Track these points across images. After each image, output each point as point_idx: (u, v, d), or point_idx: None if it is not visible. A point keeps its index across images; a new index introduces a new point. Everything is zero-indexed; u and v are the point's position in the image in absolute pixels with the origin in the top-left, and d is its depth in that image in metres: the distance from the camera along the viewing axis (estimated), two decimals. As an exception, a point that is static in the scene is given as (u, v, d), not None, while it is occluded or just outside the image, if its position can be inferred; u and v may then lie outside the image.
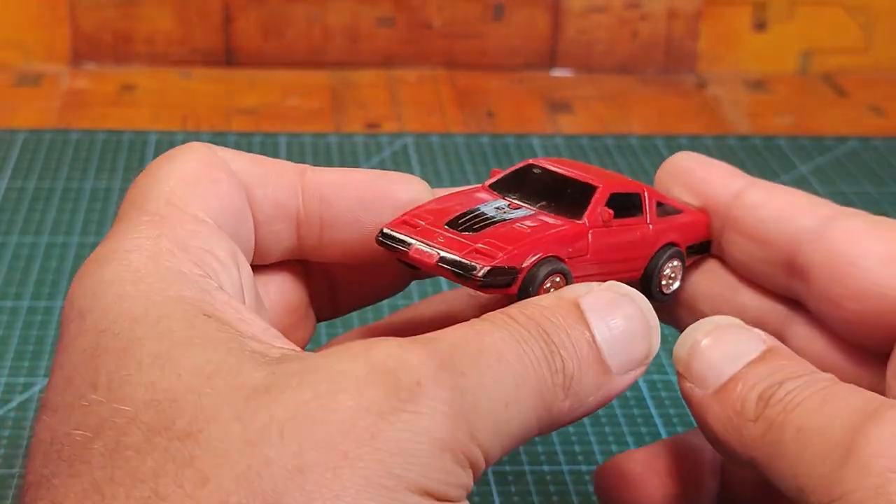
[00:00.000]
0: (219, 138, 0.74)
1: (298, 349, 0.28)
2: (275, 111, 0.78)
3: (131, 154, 0.72)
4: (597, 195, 0.33)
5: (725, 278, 0.35)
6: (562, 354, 0.28)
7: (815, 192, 0.75)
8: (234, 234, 0.31)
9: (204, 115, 0.78)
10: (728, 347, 0.31)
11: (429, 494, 0.25)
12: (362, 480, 0.25)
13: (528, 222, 0.32)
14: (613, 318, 0.30)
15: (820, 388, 0.29)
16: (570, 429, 0.51)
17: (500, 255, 0.31)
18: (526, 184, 0.34)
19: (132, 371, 0.26)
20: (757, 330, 0.31)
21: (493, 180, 0.35)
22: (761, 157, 0.74)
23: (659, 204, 0.35)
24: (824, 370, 0.30)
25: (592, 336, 0.29)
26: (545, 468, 0.49)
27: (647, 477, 0.36)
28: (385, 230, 0.32)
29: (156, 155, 0.78)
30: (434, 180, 0.69)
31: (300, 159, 0.71)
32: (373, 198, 0.33)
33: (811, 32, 0.85)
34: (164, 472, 0.25)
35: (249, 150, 0.80)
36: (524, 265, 0.31)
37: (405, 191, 0.33)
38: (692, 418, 0.31)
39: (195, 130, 0.75)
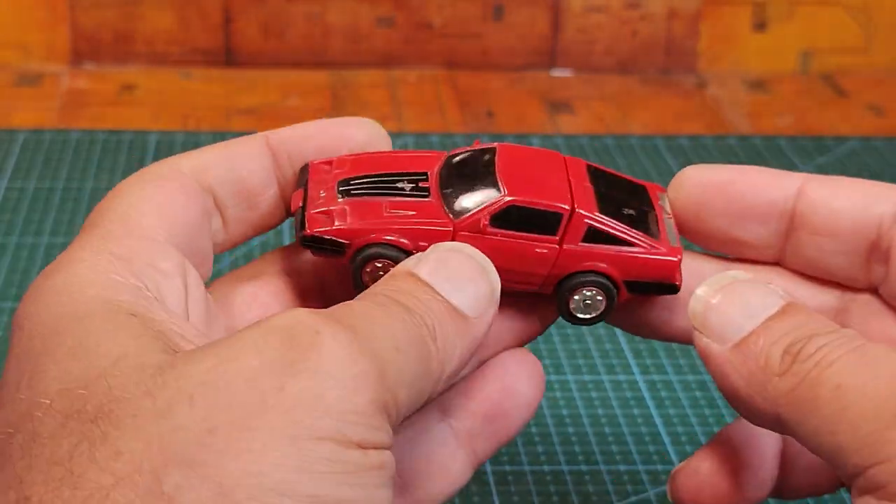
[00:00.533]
0: (219, 138, 0.74)
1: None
2: (275, 111, 0.78)
3: (131, 154, 0.72)
4: (492, 203, 0.33)
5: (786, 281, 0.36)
6: (416, 311, 0.30)
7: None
8: (189, 248, 0.32)
9: (204, 115, 0.78)
10: (746, 301, 0.31)
11: (344, 440, 0.26)
12: (270, 433, 0.25)
13: (406, 206, 0.33)
14: (446, 270, 0.31)
15: (856, 345, 0.29)
16: (571, 429, 0.51)
17: (334, 225, 0.32)
18: (465, 164, 0.34)
19: (49, 365, 0.27)
20: (773, 285, 0.31)
21: (456, 152, 0.35)
22: (761, 157, 0.74)
23: (604, 235, 0.33)
24: None
25: (436, 291, 0.30)
26: (545, 468, 0.49)
27: (718, 478, 0.36)
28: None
29: (156, 155, 0.78)
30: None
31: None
32: (331, 144, 0.35)
33: (811, 32, 0.85)
34: (79, 452, 0.25)
35: (249, 150, 0.78)
36: (354, 241, 0.32)
37: (359, 132, 0.35)
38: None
39: (195, 130, 0.75)
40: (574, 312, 0.34)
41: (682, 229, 0.35)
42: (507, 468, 0.49)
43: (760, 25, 0.85)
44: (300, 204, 0.34)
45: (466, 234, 0.33)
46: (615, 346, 0.56)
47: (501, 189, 0.33)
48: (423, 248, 0.32)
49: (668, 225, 0.34)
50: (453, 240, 0.33)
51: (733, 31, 0.85)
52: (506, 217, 0.33)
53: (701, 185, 0.35)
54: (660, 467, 0.50)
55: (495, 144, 0.35)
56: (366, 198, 0.33)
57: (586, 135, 0.76)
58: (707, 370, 0.31)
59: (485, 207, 0.33)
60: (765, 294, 0.31)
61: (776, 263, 0.36)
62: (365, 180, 0.34)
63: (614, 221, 0.33)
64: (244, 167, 0.35)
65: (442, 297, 0.30)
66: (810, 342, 0.29)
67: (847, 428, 0.28)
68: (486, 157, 0.34)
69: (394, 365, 0.28)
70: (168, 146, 0.73)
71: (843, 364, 0.28)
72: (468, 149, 0.35)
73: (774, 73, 0.85)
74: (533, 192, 0.33)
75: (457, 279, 0.31)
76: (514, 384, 0.35)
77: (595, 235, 0.33)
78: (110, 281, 0.29)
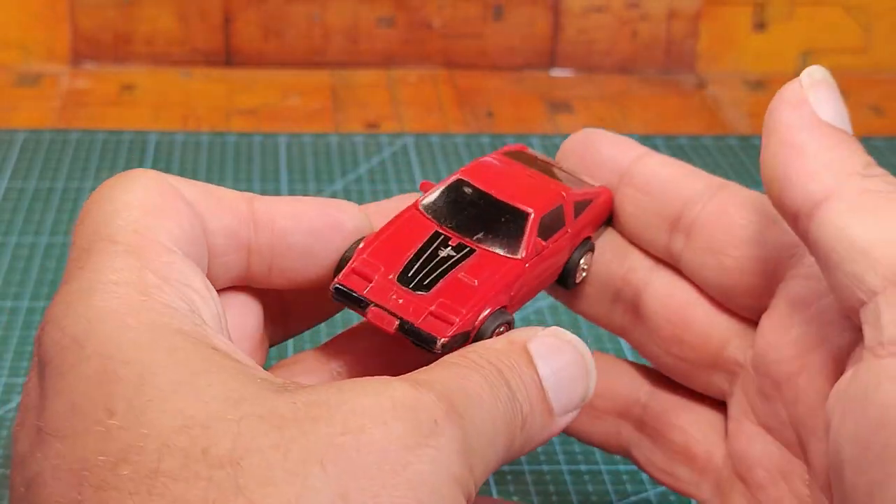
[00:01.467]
0: (219, 138, 0.74)
1: (290, 380, 0.29)
2: (275, 111, 0.78)
3: (131, 154, 0.72)
4: (530, 224, 0.34)
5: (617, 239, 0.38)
6: (518, 398, 0.30)
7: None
8: (198, 264, 0.32)
9: (204, 115, 0.78)
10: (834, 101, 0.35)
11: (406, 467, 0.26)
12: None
13: (472, 270, 0.34)
14: (557, 362, 0.31)
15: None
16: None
17: (456, 321, 0.32)
18: (460, 207, 0.35)
19: (153, 397, 0.27)
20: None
21: (425, 199, 0.35)
22: (761, 157, 0.74)
23: (577, 202, 0.36)
24: (682, 322, 0.36)
25: (540, 379, 0.31)
26: (545, 468, 0.49)
27: None
28: (339, 286, 0.33)
29: (156, 155, 0.78)
30: (434, 180, 0.69)
31: (300, 159, 0.71)
32: (322, 227, 0.34)
33: (811, 32, 0.85)
34: (210, 500, 0.25)
35: (249, 151, 0.80)
36: (476, 324, 0.33)
37: (350, 220, 0.35)
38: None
39: (195, 130, 0.75)
40: (577, 280, 0.37)
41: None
42: (507, 468, 0.49)
43: (760, 25, 0.85)
44: (390, 328, 0.33)
45: (532, 259, 0.34)
46: (615, 346, 0.56)
47: (523, 210, 0.34)
48: (513, 294, 0.34)
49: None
50: (527, 270, 0.34)
51: (733, 31, 0.85)
52: (542, 231, 0.35)
53: (571, 144, 0.39)
54: (659, 467, 0.50)
55: (457, 175, 0.36)
56: (439, 285, 0.33)
57: (586, 135, 0.76)
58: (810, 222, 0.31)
59: (528, 232, 0.34)
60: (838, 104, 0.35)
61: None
62: (417, 268, 0.34)
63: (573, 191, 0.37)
64: (219, 224, 0.33)
65: (542, 386, 0.31)
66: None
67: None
68: (468, 189, 0.35)
69: (485, 458, 0.29)
70: (168, 146, 0.73)
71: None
72: (435, 189, 0.36)
73: (774, 73, 0.85)
74: (539, 201, 0.35)
75: (564, 377, 0.31)
76: None
77: (577, 209, 0.36)
78: (166, 307, 0.29)
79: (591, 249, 0.38)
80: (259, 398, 0.27)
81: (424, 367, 0.30)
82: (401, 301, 0.33)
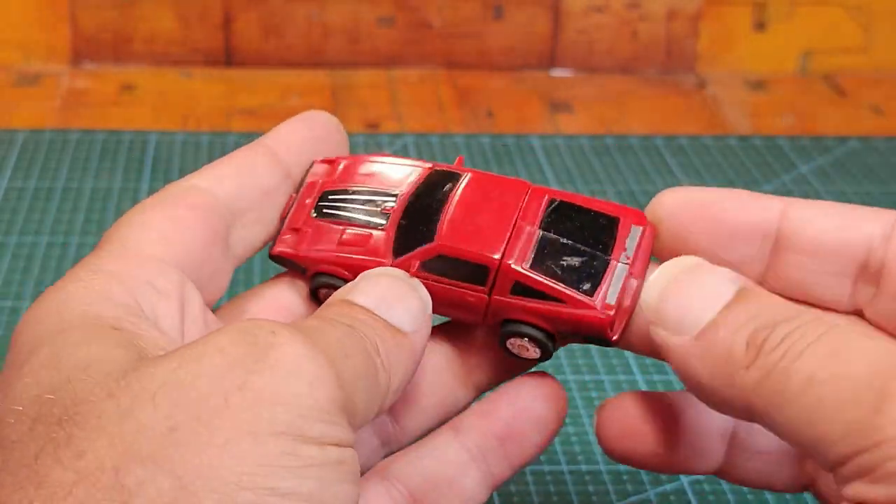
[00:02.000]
0: (219, 138, 0.74)
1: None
2: (275, 111, 0.78)
3: (131, 154, 0.72)
4: (424, 250, 0.34)
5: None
6: (361, 330, 0.31)
7: (816, 192, 0.75)
8: (195, 269, 0.33)
9: (204, 115, 0.78)
10: (700, 288, 0.30)
11: (302, 435, 0.27)
12: (231, 429, 0.26)
13: (359, 238, 0.35)
14: (377, 291, 0.32)
15: (822, 332, 0.28)
16: (570, 429, 0.51)
17: (294, 249, 0.35)
18: (427, 195, 0.35)
19: (25, 374, 0.28)
20: (724, 269, 0.31)
21: (433, 170, 0.36)
22: (761, 157, 0.74)
23: (531, 290, 0.33)
24: None
25: (372, 312, 0.32)
26: (545, 468, 0.49)
27: (649, 426, 0.35)
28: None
29: (156, 155, 0.78)
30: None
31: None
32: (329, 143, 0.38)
33: (811, 32, 0.85)
34: (45, 453, 0.26)
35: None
36: (308, 267, 0.35)
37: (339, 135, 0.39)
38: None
39: (195, 130, 0.75)
40: (515, 352, 0.34)
41: (667, 252, 0.34)
42: (507, 468, 0.49)
43: (760, 25, 0.85)
44: (285, 214, 0.36)
45: (407, 272, 0.34)
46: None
47: (437, 234, 0.34)
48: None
49: (617, 274, 0.33)
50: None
51: (733, 31, 0.85)
52: (436, 264, 0.34)
53: (683, 206, 0.34)
54: (660, 467, 0.50)
55: (467, 172, 0.35)
56: (330, 221, 0.35)
57: (586, 135, 0.76)
58: (669, 364, 0.31)
59: (416, 253, 0.34)
60: (718, 280, 0.30)
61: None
62: (342, 196, 0.36)
63: (543, 276, 0.33)
64: (257, 173, 0.36)
65: (378, 315, 0.31)
66: (774, 332, 0.28)
67: (826, 418, 0.27)
68: (448, 186, 0.35)
69: (346, 370, 0.29)
70: (168, 146, 0.73)
71: (812, 353, 0.28)
72: (446, 169, 0.36)
73: (774, 73, 0.85)
74: (466, 240, 0.33)
75: (389, 299, 0.32)
76: (529, 406, 0.35)
77: (523, 289, 0.33)
78: (100, 298, 0.30)
79: (536, 342, 0.34)
80: (111, 362, 0.28)
81: None
82: (302, 212, 0.36)
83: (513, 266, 0.33)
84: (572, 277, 0.33)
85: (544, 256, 0.33)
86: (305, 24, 0.83)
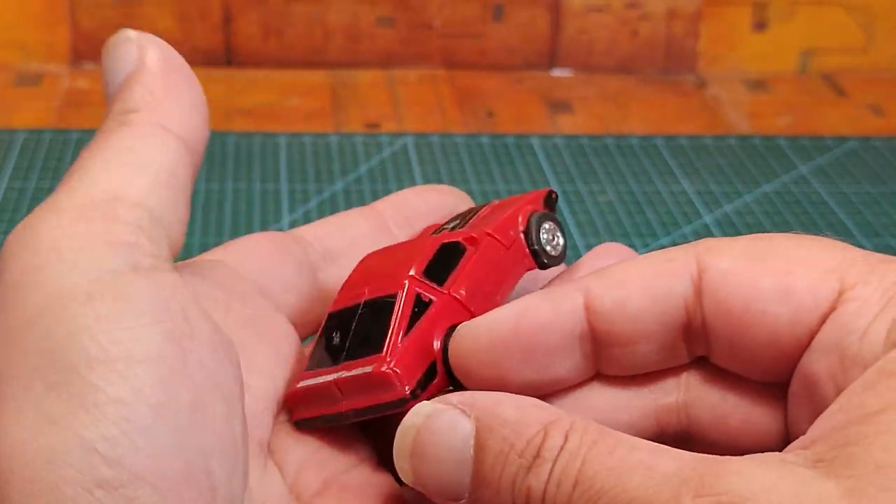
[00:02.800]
0: (219, 138, 0.74)
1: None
2: (275, 111, 0.78)
3: (131, 154, 0.72)
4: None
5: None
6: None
7: (815, 192, 0.74)
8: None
9: (204, 115, 0.77)
10: (439, 449, 0.27)
11: (89, 280, 0.26)
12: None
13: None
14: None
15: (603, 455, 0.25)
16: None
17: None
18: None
19: None
20: (451, 402, 0.28)
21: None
22: (761, 157, 0.74)
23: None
24: (726, 413, 0.30)
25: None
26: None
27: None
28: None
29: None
30: (434, 181, 0.69)
31: (300, 159, 0.71)
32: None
33: (811, 32, 0.85)
34: None
35: (249, 151, 0.79)
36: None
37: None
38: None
39: (195, 130, 0.75)
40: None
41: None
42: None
43: (760, 25, 0.85)
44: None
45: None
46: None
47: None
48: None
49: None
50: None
51: (733, 31, 0.85)
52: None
53: (484, 345, 0.30)
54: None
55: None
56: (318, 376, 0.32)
57: (586, 135, 0.76)
58: None
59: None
60: (452, 422, 0.27)
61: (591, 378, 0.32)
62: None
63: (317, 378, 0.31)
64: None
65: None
66: (532, 441, 0.26)
67: None
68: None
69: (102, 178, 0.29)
70: (168, 146, 0.73)
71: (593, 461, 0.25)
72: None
73: (774, 73, 0.85)
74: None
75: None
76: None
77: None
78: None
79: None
80: None
81: None
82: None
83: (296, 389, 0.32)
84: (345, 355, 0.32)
85: (323, 359, 0.33)
86: (305, 24, 0.83)
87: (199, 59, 0.83)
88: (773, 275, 0.29)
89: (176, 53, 0.32)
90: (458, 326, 0.31)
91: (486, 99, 0.81)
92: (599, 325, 0.30)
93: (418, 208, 0.37)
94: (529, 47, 0.84)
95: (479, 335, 0.30)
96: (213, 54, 0.83)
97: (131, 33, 0.32)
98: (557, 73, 0.85)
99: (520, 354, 0.30)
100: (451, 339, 0.30)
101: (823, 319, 0.28)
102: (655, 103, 0.81)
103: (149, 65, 0.32)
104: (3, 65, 0.82)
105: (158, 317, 0.26)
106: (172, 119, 0.31)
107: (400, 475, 0.28)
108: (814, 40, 0.86)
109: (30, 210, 0.67)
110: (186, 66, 0.32)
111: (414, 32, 0.84)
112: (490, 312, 0.30)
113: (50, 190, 0.68)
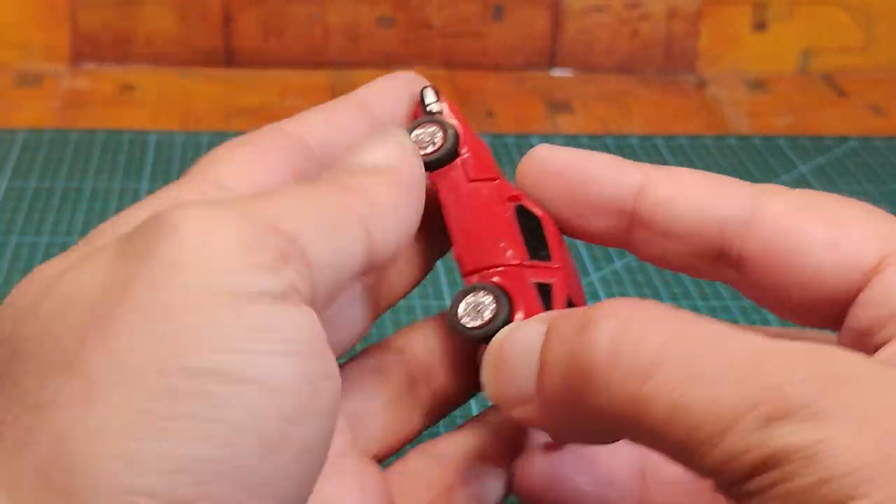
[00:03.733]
0: (218, 138, 0.74)
1: None
2: (275, 111, 0.78)
3: (131, 154, 0.72)
4: None
5: None
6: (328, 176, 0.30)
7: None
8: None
9: (204, 115, 0.77)
10: (515, 357, 0.29)
11: (226, 293, 0.24)
12: (135, 312, 0.24)
13: None
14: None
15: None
16: (570, 429, 0.51)
17: None
18: None
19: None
20: (534, 317, 0.30)
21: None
22: (761, 157, 0.74)
23: None
24: None
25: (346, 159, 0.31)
26: (545, 468, 0.49)
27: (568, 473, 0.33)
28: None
29: (156, 155, 0.78)
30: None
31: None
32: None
33: (811, 32, 0.85)
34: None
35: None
36: None
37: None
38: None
39: (195, 130, 0.75)
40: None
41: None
42: (507, 468, 0.49)
43: (760, 25, 0.85)
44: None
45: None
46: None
47: None
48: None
49: None
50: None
51: (733, 31, 0.85)
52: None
53: (542, 172, 0.34)
54: (660, 467, 0.49)
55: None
56: None
57: (586, 135, 0.76)
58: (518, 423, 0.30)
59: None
60: (527, 334, 0.28)
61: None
62: None
63: None
64: (347, 126, 0.35)
65: (351, 159, 0.31)
66: (598, 327, 0.26)
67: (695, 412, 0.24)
68: None
69: (278, 210, 0.26)
70: (168, 146, 0.73)
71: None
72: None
73: (774, 73, 0.85)
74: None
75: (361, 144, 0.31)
76: None
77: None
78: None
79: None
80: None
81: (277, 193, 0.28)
82: None
83: None
84: None
85: None
86: (305, 24, 0.83)
87: (199, 59, 0.83)
88: (825, 225, 0.31)
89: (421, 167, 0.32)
90: (538, 146, 0.35)
91: (486, 99, 0.81)
92: (642, 206, 0.32)
93: (400, 99, 0.36)
94: (529, 47, 0.84)
95: (548, 156, 0.34)
96: (213, 54, 0.83)
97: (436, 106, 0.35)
98: (557, 73, 0.85)
99: (566, 194, 0.33)
100: (530, 153, 0.35)
101: (868, 277, 0.30)
102: (655, 103, 0.82)
103: (400, 167, 0.31)
104: (3, 65, 0.82)
105: (301, 349, 0.25)
106: (378, 225, 0.29)
107: (486, 394, 0.30)
108: (814, 40, 0.86)
109: (30, 210, 0.66)
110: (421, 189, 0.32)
111: (414, 32, 0.84)
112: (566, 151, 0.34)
113: (50, 190, 0.68)
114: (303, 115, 0.35)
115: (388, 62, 0.84)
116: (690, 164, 0.73)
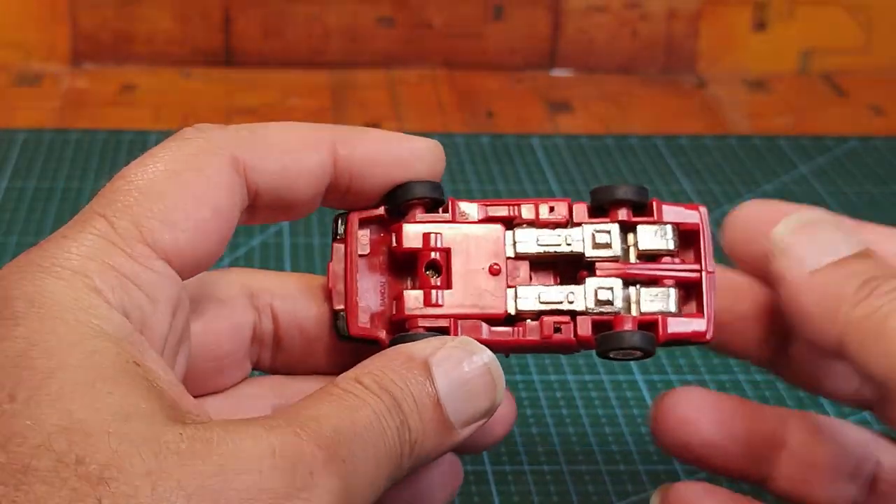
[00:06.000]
0: (219, 138, 0.74)
1: (201, 411, 0.29)
2: (275, 111, 0.78)
3: (131, 154, 0.72)
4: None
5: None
6: (410, 423, 0.30)
7: (815, 192, 0.74)
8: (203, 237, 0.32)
9: (204, 115, 0.77)
10: (829, 238, 0.34)
11: None
12: None
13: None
14: (460, 375, 0.31)
15: None
16: (571, 429, 0.51)
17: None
18: None
19: (52, 393, 0.27)
20: (854, 232, 0.34)
21: None
22: (761, 157, 0.74)
23: None
24: None
25: (437, 395, 0.30)
26: (545, 468, 0.49)
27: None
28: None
29: (156, 155, 0.77)
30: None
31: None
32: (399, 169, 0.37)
33: (811, 32, 0.85)
34: None
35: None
36: None
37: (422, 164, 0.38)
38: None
39: (195, 130, 0.75)
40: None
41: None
42: (507, 468, 0.49)
43: (760, 25, 0.85)
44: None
45: None
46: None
47: None
48: None
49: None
50: None
51: (733, 31, 0.85)
52: None
53: (750, 225, 0.37)
54: (660, 467, 0.50)
55: None
56: None
57: (586, 135, 0.76)
58: (779, 293, 0.34)
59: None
60: (846, 236, 0.34)
61: None
62: None
63: None
64: (295, 166, 0.35)
65: (441, 404, 0.30)
66: (888, 281, 0.32)
67: None
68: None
69: (364, 498, 0.29)
70: (168, 146, 0.73)
71: None
72: None
73: (774, 73, 0.85)
74: None
75: (466, 389, 0.31)
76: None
77: None
78: (106, 309, 0.29)
79: None
80: (150, 420, 0.27)
81: (313, 396, 0.29)
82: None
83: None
84: None
85: None
86: (305, 24, 0.83)
87: (199, 59, 0.83)
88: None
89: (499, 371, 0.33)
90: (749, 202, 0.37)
91: (486, 99, 0.81)
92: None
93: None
94: (529, 47, 0.84)
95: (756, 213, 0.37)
96: (213, 54, 0.83)
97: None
98: (557, 73, 0.85)
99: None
100: (737, 211, 0.37)
101: None
102: (655, 103, 0.82)
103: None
104: (3, 65, 0.82)
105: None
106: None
107: (776, 228, 0.34)
108: (814, 40, 0.86)
109: (30, 210, 0.66)
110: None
111: (414, 32, 0.84)
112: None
113: (50, 190, 0.68)
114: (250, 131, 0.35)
115: (388, 62, 0.84)
116: (690, 163, 0.73)
